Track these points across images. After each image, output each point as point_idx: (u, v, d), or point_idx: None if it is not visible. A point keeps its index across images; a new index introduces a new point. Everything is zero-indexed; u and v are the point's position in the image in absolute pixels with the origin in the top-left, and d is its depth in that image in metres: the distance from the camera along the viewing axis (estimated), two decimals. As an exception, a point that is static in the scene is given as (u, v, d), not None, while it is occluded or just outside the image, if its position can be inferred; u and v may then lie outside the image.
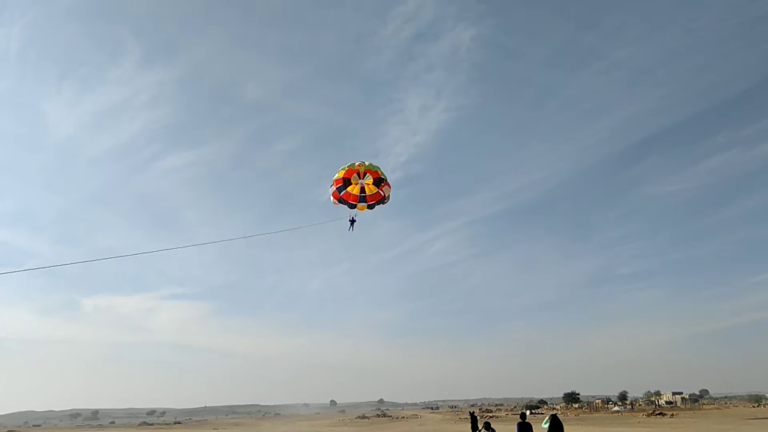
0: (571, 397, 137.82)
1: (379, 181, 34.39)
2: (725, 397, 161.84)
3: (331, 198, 35.04)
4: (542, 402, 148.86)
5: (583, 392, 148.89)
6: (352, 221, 34.97)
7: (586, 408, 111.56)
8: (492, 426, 19.07)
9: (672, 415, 64.83)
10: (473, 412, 38.86)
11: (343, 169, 33.75)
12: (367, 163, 33.19)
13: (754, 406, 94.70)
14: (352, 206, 35.06)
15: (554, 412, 64.21)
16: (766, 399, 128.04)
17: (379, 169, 33.21)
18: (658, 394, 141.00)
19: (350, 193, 34.81)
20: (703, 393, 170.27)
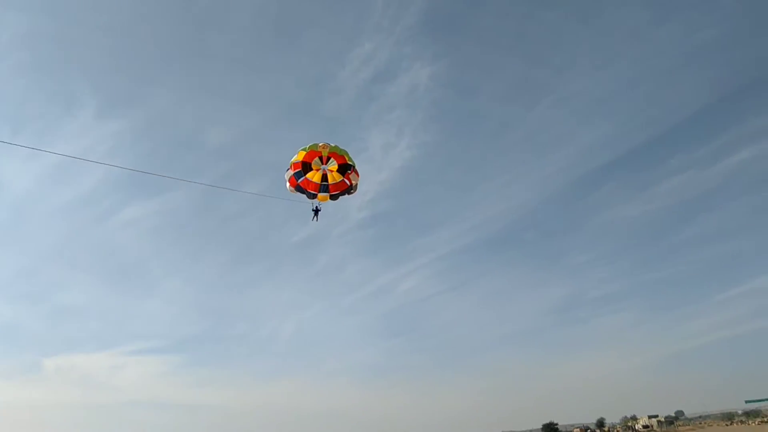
0: (550, 428, 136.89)
1: (345, 168, 29.42)
2: (700, 417, 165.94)
3: (287, 184, 29.96)
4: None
5: (562, 422, 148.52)
6: (316, 210, 28.96)
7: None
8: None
9: None
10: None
11: (303, 150, 28.41)
12: (332, 145, 28.05)
13: (727, 425, 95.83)
14: (312, 196, 30.10)
15: None
16: (738, 416, 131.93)
17: (346, 153, 28.09)
18: (634, 418, 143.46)
19: (310, 181, 29.62)
20: (679, 414, 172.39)
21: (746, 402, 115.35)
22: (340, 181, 28.10)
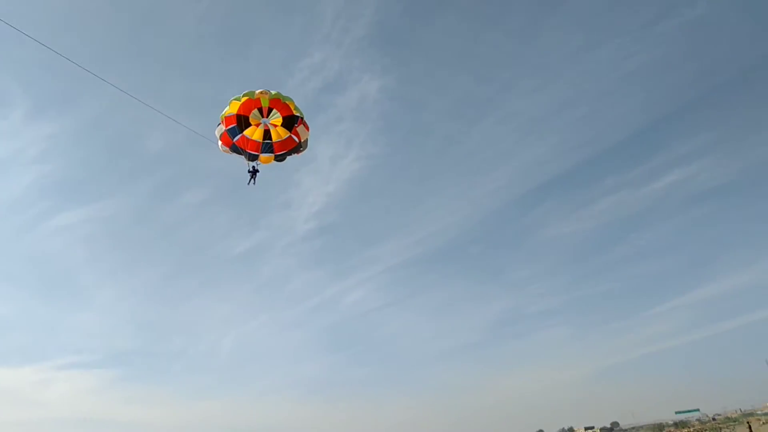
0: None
1: (292, 121, 24.18)
2: (633, 428, 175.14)
3: (219, 143, 24.42)
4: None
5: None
6: (253, 172, 21.90)
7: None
8: None
9: None
10: None
11: (237, 99, 22.21)
12: (273, 92, 22.45)
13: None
14: (252, 157, 24.80)
15: None
16: (668, 426, 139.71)
17: (292, 101, 22.38)
18: (572, 430, 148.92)
19: (249, 139, 23.87)
20: (614, 425, 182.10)
21: (676, 413, 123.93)
22: (286, 138, 22.98)
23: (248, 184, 22.80)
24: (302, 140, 22.89)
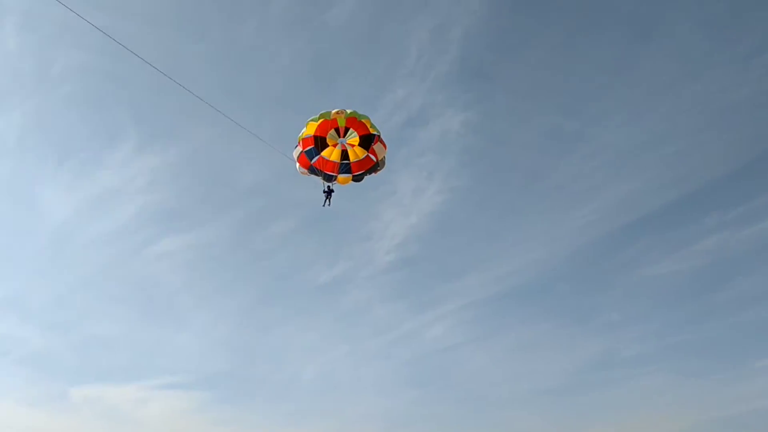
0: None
1: (369, 139, 23.53)
2: None
3: (297, 165, 24.40)
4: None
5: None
6: (329, 192, 20.80)
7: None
8: None
9: None
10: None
11: (313, 121, 22.04)
12: (348, 111, 21.85)
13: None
14: (330, 178, 24.53)
15: None
16: None
17: (368, 119, 21.97)
18: None
19: (327, 160, 23.49)
20: None
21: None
22: (364, 158, 22.35)
23: (323, 205, 22.50)
24: (380, 159, 22.13)
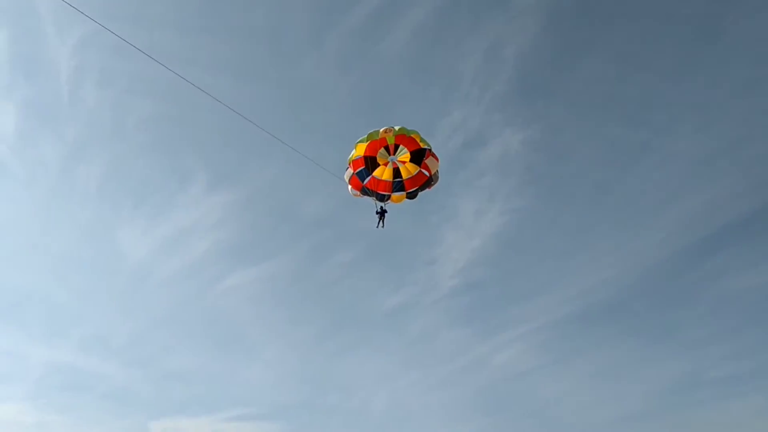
0: None
1: (420, 154, 22.93)
2: None
3: (350, 188, 24.15)
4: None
5: None
6: (381, 213, 19.95)
7: None
8: None
9: None
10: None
11: (362, 141, 21.65)
12: (396, 128, 21.19)
13: None
14: (383, 198, 24.08)
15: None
16: None
17: (417, 134, 21.13)
18: None
19: (379, 180, 23.00)
20: None
21: None
22: (416, 174, 21.74)
23: (377, 226, 22.02)
24: (433, 173, 21.41)
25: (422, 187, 21.86)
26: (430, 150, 20.79)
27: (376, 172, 21.92)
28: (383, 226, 22.16)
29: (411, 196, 22.04)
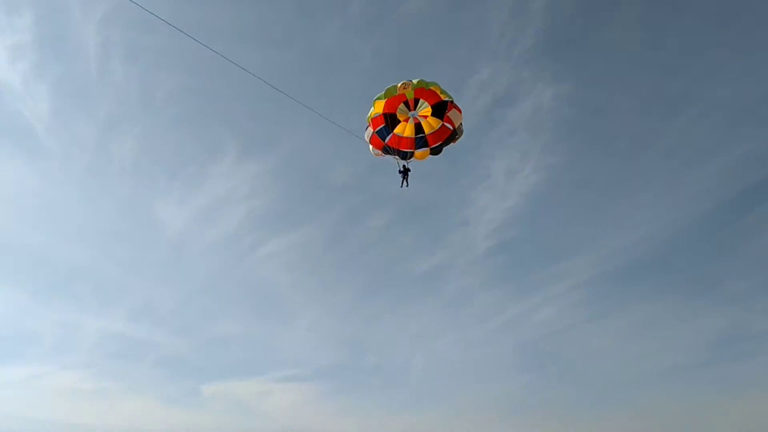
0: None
1: (442, 107, 21.73)
2: None
3: (371, 147, 23.42)
4: None
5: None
6: (405, 172, 19.29)
7: None
8: None
9: None
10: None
11: (379, 98, 20.30)
12: (415, 82, 19.80)
13: None
14: (406, 155, 23.32)
15: None
16: None
17: (437, 85, 19.65)
18: None
19: (401, 137, 22.03)
20: None
21: None
22: (439, 128, 20.77)
23: (401, 186, 21.38)
24: (456, 126, 20.39)
25: (446, 142, 20.93)
26: (452, 102, 19.68)
27: (397, 129, 21.08)
28: (407, 185, 21.52)
29: (435, 151, 21.19)
